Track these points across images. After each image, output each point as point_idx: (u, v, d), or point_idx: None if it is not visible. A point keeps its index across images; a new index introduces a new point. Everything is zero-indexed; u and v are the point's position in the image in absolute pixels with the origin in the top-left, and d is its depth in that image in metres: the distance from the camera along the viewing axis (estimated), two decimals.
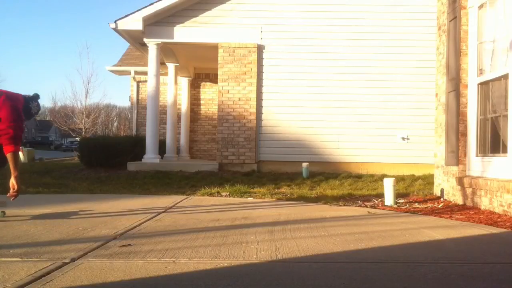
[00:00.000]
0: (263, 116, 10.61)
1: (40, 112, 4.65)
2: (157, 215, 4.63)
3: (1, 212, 4.42)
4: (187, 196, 6.44)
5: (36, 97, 4.52)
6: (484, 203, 5.27)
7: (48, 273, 2.57)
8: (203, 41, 10.65)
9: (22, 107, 4.34)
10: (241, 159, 10.49)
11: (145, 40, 10.62)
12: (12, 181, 4.17)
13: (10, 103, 4.17)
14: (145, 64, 12.80)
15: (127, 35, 10.88)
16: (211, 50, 10.95)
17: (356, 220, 4.58)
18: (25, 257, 2.91)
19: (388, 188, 5.81)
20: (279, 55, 10.59)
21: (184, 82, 14.58)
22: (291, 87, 10.55)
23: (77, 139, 22.92)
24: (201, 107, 15.56)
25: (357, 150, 10.43)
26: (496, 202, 5.00)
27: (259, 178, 9.05)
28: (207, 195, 6.59)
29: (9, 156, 4.13)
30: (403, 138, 10.44)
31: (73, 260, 2.84)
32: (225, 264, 2.79)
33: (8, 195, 4.20)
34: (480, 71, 5.67)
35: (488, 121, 5.53)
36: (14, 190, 4.18)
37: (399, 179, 8.07)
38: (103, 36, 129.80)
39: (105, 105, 64.11)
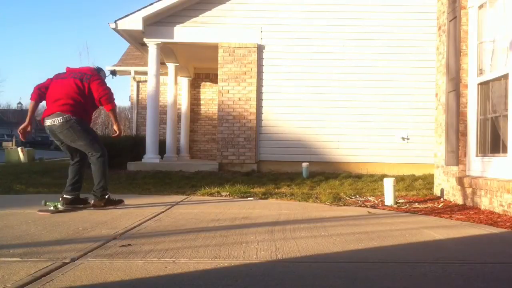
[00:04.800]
0: (263, 116, 10.61)
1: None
2: (157, 215, 4.63)
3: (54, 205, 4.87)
4: (187, 196, 6.44)
5: (100, 68, 5.44)
6: (484, 203, 5.27)
7: (48, 273, 2.57)
8: (203, 41, 10.66)
9: None
10: (241, 159, 10.49)
11: (145, 40, 10.62)
12: (114, 128, 5.22)
13: (98, 77, 5.13)
14: (145, 64, 12.82)
15: (127, 35, 10.88)
16: (211, 50, 10.95)
17: (356, 220, 4.58)
18: (25, 257, 2.91)
19: (388, 188, 5.81)
20: (279, 55, 10.60)
21: (184, 82, 14.58)
22: (291, 87, 10.55)
23: None
24: (201, 107, 15.57)
25: (357, 150, 10.43)
26: (496, 202, 5.00)
27: (259, 178, 9.05)
28: (207, 195, 6.59)
29: (110, 113, 5.16)
30: (403, 138, 10.44)
31: (73, 260, 2.84)
32: (225, 264, 2.79)
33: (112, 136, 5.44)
34: (480, 71, 5.67)
35: (488, 121, 5.53)
36: (116, 134, 5.24)
37: (399, 179, 8.07)
38: (103, 36, 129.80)
39: None
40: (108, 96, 5.00)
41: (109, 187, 5.30)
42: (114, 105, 5.10)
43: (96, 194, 5.06)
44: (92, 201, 5.08)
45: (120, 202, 5.20)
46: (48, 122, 4.95)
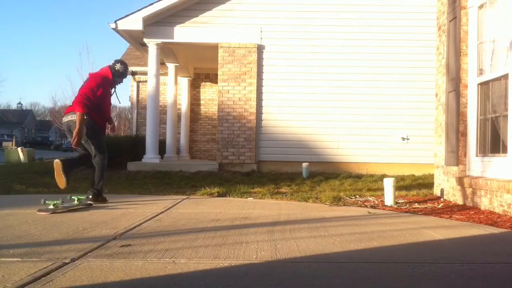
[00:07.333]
0: (263, 116, 10.61)
1: (127, 69, 5.79)
2: (157, 215, 4.63)
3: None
4: (187, 196, 6.44)
5: (117, 60, 5.70)
6: (484, 203, 5.27)
7: (48, 273, 2.57)
8: (203, 41, 10.66)
9: (112, 75, 5.59)
10: (241, 159, 10.49)
11: (145, 40, 10.62)
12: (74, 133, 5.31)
13: (89, 82, 5.46)
14: (145, 64, 12.81)
15: (127, 35, 10.88)
16: (211, 50, 10.95)
17: (356, 220, 4.58)
18: (25, 257, 2.91)
19: (388, 188, 5.81)
20: (279, 55, 10.59)
21: (184, 82, 14.58)
22: (291, 87, 10.55)
23: None
24: (201, 107, 15.56)
25: (357, 150, 10.43)
26: (496, 202, 5.00)
27: (259, 178, 9.05)
28: (207, 195, 6.59)
29: (76, 115, 5.30)
30: (403, 138, 10.44)
31: (73, 260, 2.84)
32: (225, 264, 2.79)
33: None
34: (480, 71, 5.67)
35: (488, 121, 5.53)
36: (74, 140, 5.30)
37: (399, 179, 8.07)
38: (103, 36, 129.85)
39: None
40: (79, 100, 5.34)
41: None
42: (81, 110, 5.29)
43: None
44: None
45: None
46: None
